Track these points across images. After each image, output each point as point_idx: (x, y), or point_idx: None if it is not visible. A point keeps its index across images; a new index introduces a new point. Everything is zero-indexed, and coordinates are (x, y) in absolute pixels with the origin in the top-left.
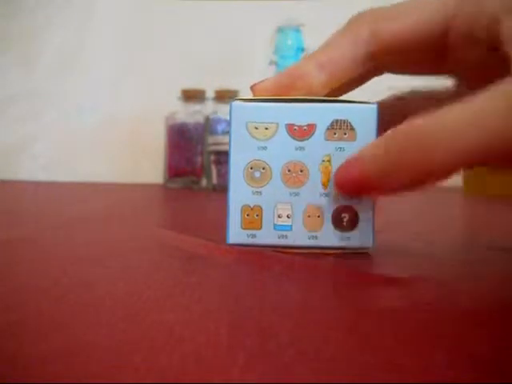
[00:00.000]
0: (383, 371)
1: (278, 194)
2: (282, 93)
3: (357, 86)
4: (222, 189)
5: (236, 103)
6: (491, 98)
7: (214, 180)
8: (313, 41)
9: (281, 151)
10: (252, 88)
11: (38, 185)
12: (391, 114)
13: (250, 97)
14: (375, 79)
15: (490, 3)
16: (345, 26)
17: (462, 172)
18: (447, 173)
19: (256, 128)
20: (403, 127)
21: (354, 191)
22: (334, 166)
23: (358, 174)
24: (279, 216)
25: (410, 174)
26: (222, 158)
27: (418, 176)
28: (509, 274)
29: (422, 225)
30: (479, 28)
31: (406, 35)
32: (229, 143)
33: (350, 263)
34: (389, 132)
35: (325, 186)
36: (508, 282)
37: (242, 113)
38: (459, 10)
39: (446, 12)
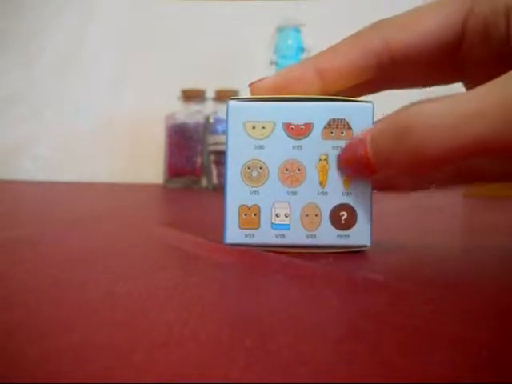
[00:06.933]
0: (383, 371)
1: (276, 193)
2: (279, 93)
3: (359, 95)
4: (222, 189)
5: (233, 102)
6: (489, 92)
7: (214, 180)
8: (313, 41)
9: (278, 150)
10: (250, 86)
11: (37, 185)
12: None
13: (247, 96)
14: None
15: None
16: (354, 34)
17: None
18: (440, 165)
19: (253, 127)
20: (404, 117)
21: (358, 171)
22: (332, 164)
23: (360, 155)
24: (277, 215)
25: (404, 164)
26: (222, 157)
27: (412, 166)
28: (509, 275)
29: (421, 225)
30: (494, 24)
31: (421, 44)
32: (226, 142)
33: (348, 263)
34: (391, 116)
35: (322, 184)
36: (508, 282)
37: (239, 112)
38: (474, 8)
39: (461, 12)
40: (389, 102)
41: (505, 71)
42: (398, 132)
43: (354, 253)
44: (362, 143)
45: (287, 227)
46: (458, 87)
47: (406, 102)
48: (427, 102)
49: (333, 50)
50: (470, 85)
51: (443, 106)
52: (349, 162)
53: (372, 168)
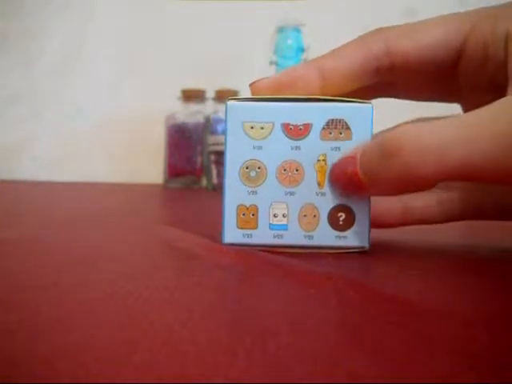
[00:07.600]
0: (382, 372)
1: (274, 194)
2: (280, 92)
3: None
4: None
5: (232, 103)
6: (480, 119)
7: (214, 180)
8: (313, 41)
9: (276, 151)
10: (251, 85)
11: (37, 185)
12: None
13: (246, 96)
14: None
15: (504, 22)
16: (358, 37)
17: None
18: (427, 186)
19: (252, 127)
20: (393, 137)
21: (348, 188)
22: (330, 165)
23: (351, 172)
24: (275, 215)
25: (393, 182)
26: (222, 158)
27: (400, 185)
28: (509, 275)
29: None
30: (493, 47)
31: (420, 55)
32: (224, 143)
33: (348, 263)
34: (381, 135)
35: (320, 185)
36: (508, 282)
37: (238, 112)
38: (474, 29)
39: (463, 31)
40: (388, 109)
41: (498, 97)
42: (387, 151)
43: (354, 253)
44: (352, 160)
45: (285, 227)
46: (456, 108)
47: (405, 109)
48: (417, 123)
49: (336, 51)
50: (465, 107)
51: (433, 128)
52: (339, 178)
53: (362, 185)
